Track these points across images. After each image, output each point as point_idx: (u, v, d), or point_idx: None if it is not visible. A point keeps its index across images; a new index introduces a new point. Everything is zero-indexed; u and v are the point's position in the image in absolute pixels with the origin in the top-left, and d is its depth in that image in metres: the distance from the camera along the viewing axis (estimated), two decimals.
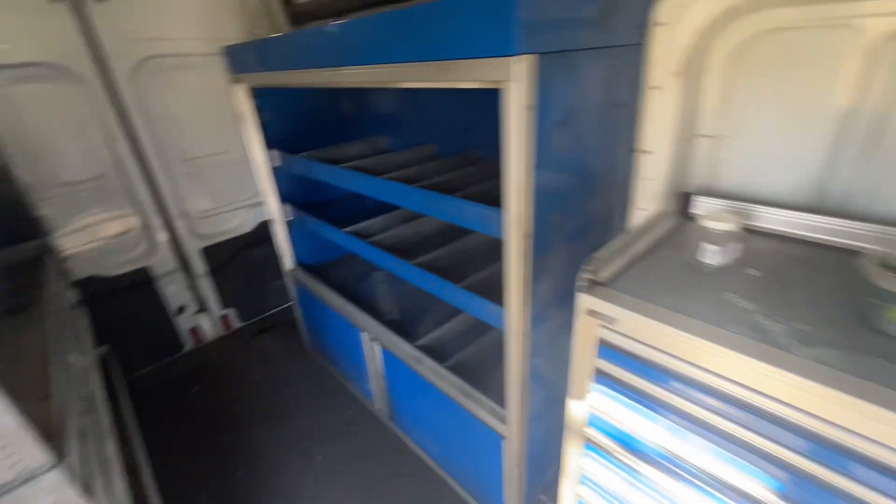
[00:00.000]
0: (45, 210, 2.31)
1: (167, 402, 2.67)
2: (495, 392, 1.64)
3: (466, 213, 1.35)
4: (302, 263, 2.73)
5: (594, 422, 1.17)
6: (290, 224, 2.59)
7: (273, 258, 3.31)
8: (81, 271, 2.53)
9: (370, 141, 2.40)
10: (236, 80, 2.18)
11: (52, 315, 1.63)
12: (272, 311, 3.49)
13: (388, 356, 2.01)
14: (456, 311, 2.02)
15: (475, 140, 2.16)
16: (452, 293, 1.53)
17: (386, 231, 2.00)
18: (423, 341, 1.90)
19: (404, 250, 1.92)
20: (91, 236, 2.54)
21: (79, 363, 1.66)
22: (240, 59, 2.13)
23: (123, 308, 2.75)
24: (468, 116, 2.11)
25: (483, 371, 1.76)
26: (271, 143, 2.38)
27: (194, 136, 2.79)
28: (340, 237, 2.05)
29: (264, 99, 2.28)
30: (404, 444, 2.26)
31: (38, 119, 2.24)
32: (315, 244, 2.74)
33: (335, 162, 1.96)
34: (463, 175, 1.82)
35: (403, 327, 2.06)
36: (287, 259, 2.69)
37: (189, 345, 3.12)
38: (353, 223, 2.13)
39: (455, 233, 2.01)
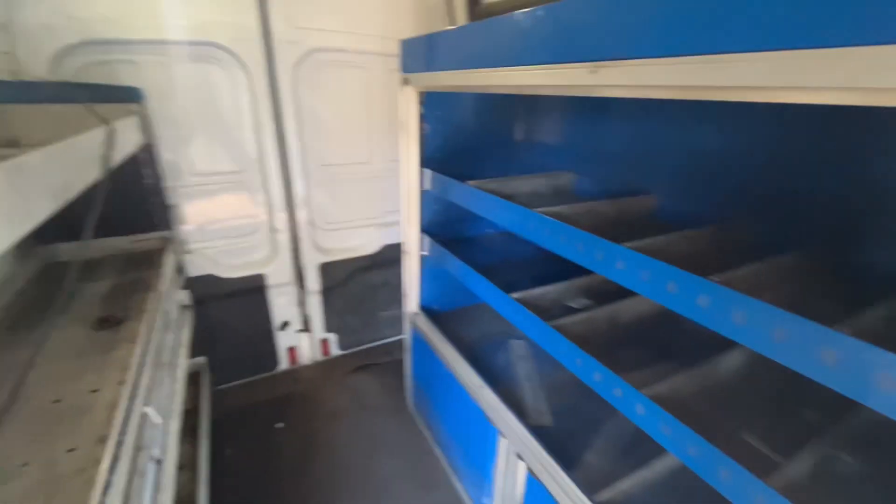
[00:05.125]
0: (178, 199, 2.12)
1: (249, 432, 2.32)
2: None
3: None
4: (426, 308, 2.22)
5: None
6: (422, 259, 2.12)
7: (388, 285, 2.92)
8: (199, 268, 2.32)
9: (552, 176, 1.82)
10: (406, 81, 1.77)
11: (145, 335, 1.28)
12: (375, 344, 3.07)
13: (538, 489, 1.36)
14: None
15: (727, 201, 1.41)
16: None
17: (568, 313, 1.36)
18: (607, 495, 1.22)
19: (600, 347, 1.28)
20: (217, 232, 2.33)
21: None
22: (414, 53, 1.72)
23: (231, 313, 2.51)
24: (712, 158, 1.41)
25: None
26: (425, 161, 1.94)
27: (338, 142, 2.49)
28: (506, 305, 1.47)
29: (430, 108, 1.85)
30: None
31: (193, 101, 2.06)
32: (444, 287, 2.23)
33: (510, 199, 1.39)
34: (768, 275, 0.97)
35: (560, 444, 1.40)
36: (411, 299, 2.20)
37: (284, 364, 2.81)
38: (500, 274, 1.55)
39: (673, 326, 1.30)
